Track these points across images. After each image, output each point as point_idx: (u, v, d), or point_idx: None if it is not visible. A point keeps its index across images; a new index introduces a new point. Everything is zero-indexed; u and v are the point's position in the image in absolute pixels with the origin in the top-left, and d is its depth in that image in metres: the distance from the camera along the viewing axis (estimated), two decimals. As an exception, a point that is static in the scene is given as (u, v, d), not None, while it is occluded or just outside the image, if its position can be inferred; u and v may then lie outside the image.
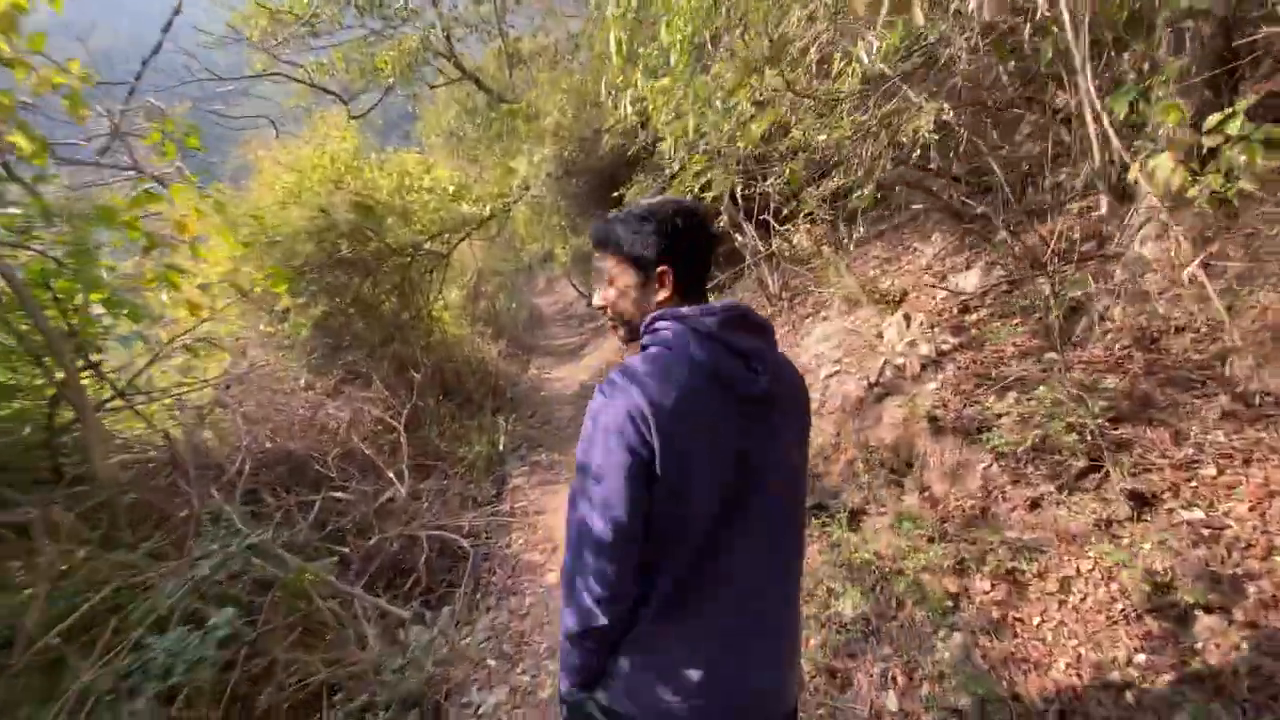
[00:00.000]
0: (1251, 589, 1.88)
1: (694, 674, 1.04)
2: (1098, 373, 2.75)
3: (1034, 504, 2.49)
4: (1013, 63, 2.37)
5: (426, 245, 6.96)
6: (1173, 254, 1.79)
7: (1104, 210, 3.25)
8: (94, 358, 3.26)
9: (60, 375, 2.81)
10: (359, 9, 7.81)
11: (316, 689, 2.64)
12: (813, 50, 2.44)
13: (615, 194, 5.56)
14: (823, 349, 4.62)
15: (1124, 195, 3.46)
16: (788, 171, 2.71)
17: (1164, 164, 1.70)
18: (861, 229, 3.93)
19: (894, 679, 2.26)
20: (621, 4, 2.73)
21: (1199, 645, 1.86)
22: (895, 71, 2.37)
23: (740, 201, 5.28)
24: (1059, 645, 2.05)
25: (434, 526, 3.98)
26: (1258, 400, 2.30)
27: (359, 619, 3.14)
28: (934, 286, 4.06)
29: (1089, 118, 1.69)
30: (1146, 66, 2.30)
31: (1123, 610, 2.03)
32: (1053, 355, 2.84)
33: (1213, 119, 1.79)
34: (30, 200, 2.71)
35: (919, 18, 1.73)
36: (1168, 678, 1.83)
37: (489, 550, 4.15)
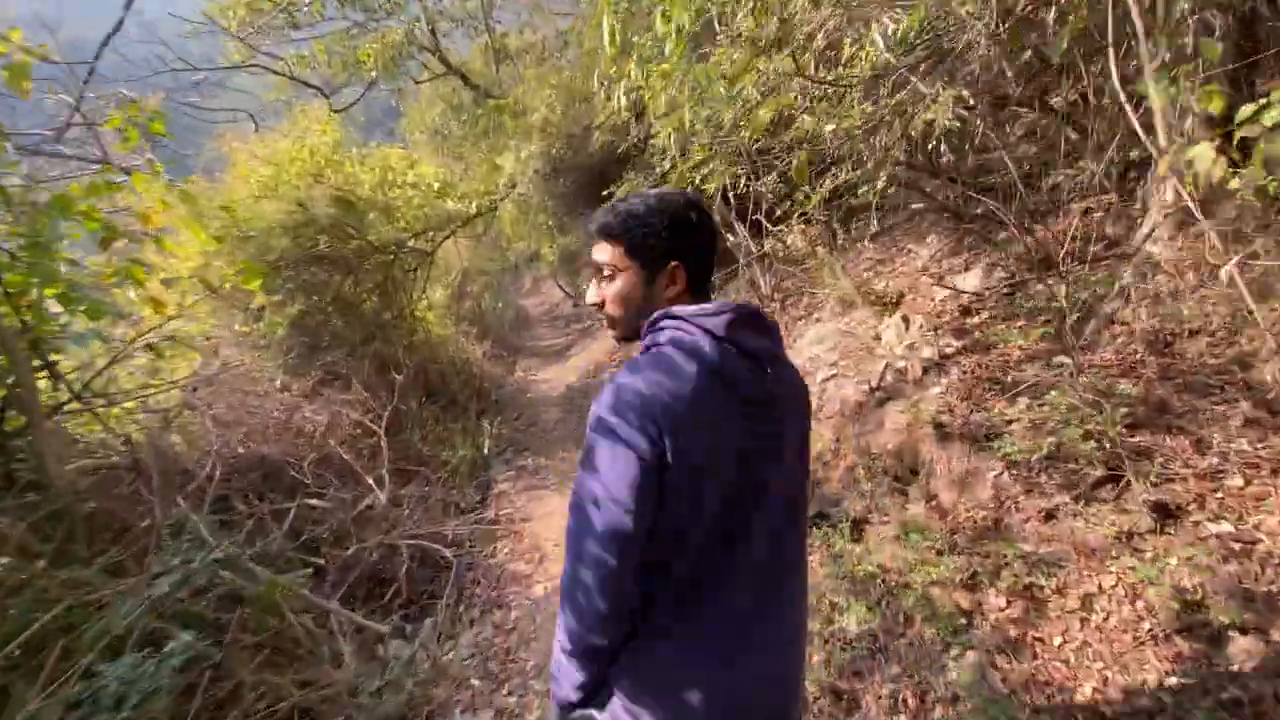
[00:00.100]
0: (1288, 608, 1.78)
1: (696, 686, 1.01)
2: (1110, 377, 2.65)
3: (1049, 515, 2.37)
4: (1027, 53, 2.25)
5: (410, 243, 6.76)
6: (1207, 253, 1.67)
7: (1110, 209, 3.16)
8: (54, 357, 3.07)
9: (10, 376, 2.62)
10: (340, 0, 7.61)
11: (287, 714, 2.46)
12: (819, 36, 2.31)
13: (605, 192, 5.42)
14: (817, 351, 4.51)
15: (1130, 193, 3.38)
16: (794, 163, 2.58)
17: (1204, 154, 1.58)
18: (875, 224, 3.81)
19: (904, 701, 2.13)
20: (615, -9, 2.60)
21: (1234, 668, 1.75)
22: (911, 57, 2.25)
23: (732, 201, 5.17)
24: (1083, 668, 1.93)
25: (415, 535, 3.80)
26: (1283, 406, 2.21)
27: (334, 635, 2.96)
28: (937, 285, 3.95)
29: (1126, 104, 1.57)
30: (1169, 56, 2.19)
31: (1150, 630, 1.91)
32: (1063, 359, 2.73)
33: (1246, 109, 1.69)
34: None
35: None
36: (1203, 703, 1.71)
37: (473, 560, 3.97)
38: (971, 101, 2.32)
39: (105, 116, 3.15)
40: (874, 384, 3.49)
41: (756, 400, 1.03)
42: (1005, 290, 3.61)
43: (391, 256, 6.45)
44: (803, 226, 5.07)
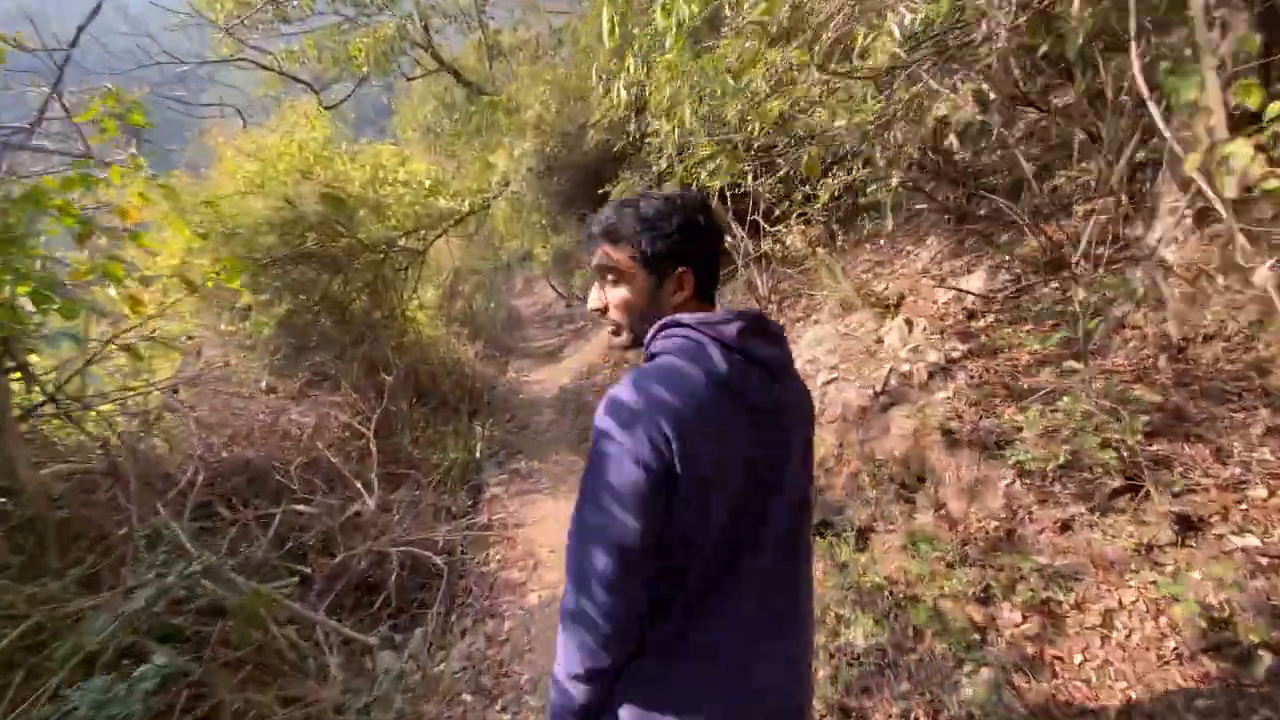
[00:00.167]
0: (1321, 627, 1.70)
1: (706, 700, 0.98)
2: (1124, 383, 2.58)
3: (1064, 526, 2.29)
4: (1043, 47, 2.17)
5: (401, 241, 6.63)
6: (1238, 254, 1.59)
7: (1119, 210, 3.09)
8: (30, 358, 2.94)
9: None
10: (331, -6, 7.50)
11: (269, 733, 2.35)
12: (831, 27, 2.23)
13: (600, 191, 5.33)
14: (816, 354, 4.42)
15: (1137, 195, 3.31)
16: (805, 158, 2.49)
17: (1241, 151, 1.49)
18: (890, 223, 3.72)
19: (916, 720, 2.05)
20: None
21: (1265, 689, 1.67)
22: (925, 49, 2.17)
23: (729, 202, 5.09)
24: (1105, 687, 1.85)
25: (405, 542, 3.68)
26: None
27: (320, 647, 2.85)
28: (940, 287, 3.88)
29: (1149, 99, 1.49)
30: (1188, 51, 2.12)
31: (1175, 649, 1.83)
32: (1075, 364, 2.66)
33: (1275, 106, 1.62)
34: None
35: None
36: (1234, 728, 1.63)
37: (465, 567, 3.86)
38: (992, 96, 2.24)
39: (85, 109, 3.04)
40: (878, 388, 3.40)
41: (764, 409, 1.00)
42: (1012, 293, 3.53)
43: (382, 255, 6.32)
44: (802, 227, 4.98)
